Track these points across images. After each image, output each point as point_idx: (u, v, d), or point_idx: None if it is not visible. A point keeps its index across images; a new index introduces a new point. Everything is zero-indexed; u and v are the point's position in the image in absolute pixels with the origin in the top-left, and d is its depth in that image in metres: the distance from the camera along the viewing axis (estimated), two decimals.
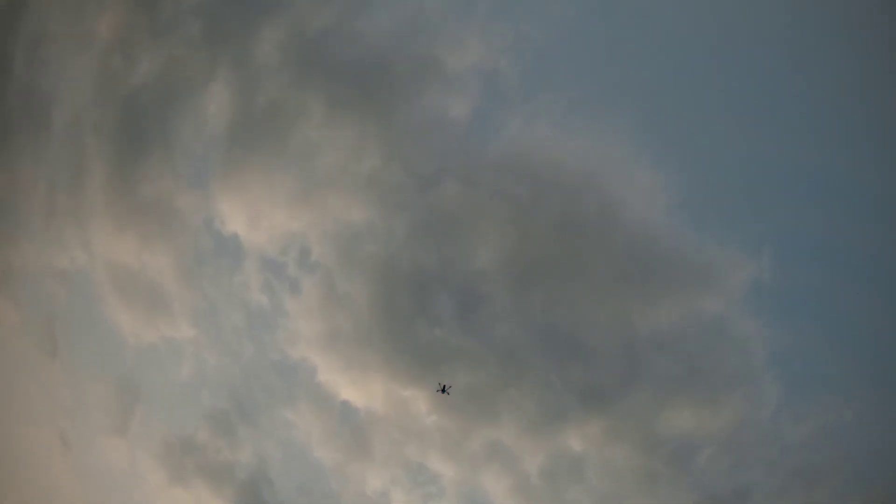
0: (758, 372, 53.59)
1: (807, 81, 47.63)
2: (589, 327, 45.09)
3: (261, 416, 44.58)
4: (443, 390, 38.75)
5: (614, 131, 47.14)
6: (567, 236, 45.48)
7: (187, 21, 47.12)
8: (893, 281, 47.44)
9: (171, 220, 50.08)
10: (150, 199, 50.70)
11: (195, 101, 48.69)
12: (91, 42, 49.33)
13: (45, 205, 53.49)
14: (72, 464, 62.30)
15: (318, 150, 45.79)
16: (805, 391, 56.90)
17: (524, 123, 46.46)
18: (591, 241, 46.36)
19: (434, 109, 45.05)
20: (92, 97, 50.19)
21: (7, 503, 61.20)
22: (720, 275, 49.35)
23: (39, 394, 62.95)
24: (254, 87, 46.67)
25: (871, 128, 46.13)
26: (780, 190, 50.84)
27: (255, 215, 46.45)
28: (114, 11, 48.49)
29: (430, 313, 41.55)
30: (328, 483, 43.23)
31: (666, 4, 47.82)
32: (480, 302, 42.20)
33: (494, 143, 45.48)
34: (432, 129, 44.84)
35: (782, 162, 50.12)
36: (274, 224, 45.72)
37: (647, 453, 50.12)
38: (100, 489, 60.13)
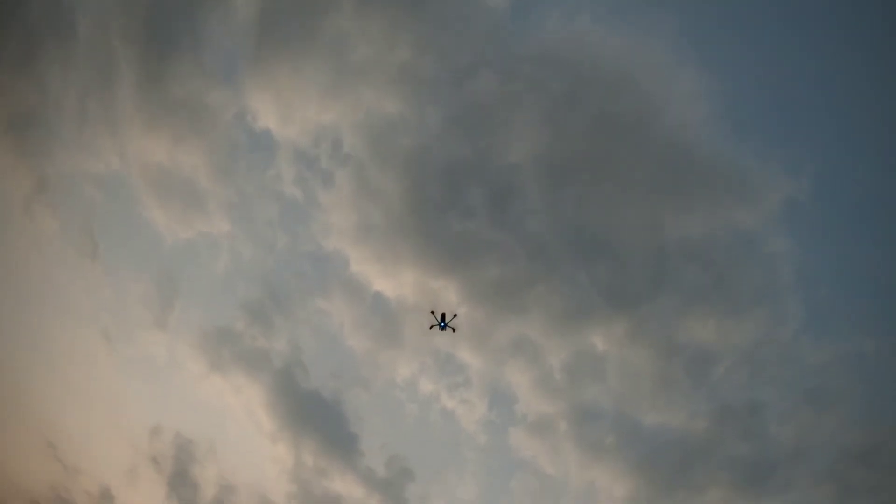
0: (784, 292, 53.28)
1: None
2: (619, 229, 44.81)
3: (295, 305, 46.15)
4: (442, 324, 32.34)
5: (659, 31, 44.57)
6: (603, 136, 44.29)
7: None
8: None
9: (202, 118, 49.91)
10: (181, 97, 50.37)
11: None
12: None
13: (76, 112, 53.69)
14: (115, 358, 65.98)
15: (349, 41, 44.37)
16: (828, 317, 56.62)
17: (565, 16, 44.16)
18: (627, 143, 45.14)
19: None
20: None
21: (55, 397, 65.83)
22: (757, 190, 48.00)
23: (82, 294, 65.87)
24: None
25: None
26: (827, 111, 48.42)
27: (287, 109, 45.99)
28: None
29: (461, 206, 41.56)
30: (359, 369, 45.41)
31: None
32: (512, 197, 42.00)
33: (533, 36, 43.48)
34: (468, 18, 42.94)
35: (832, 82, 47.40)
36: (305, 117, 45.30)
37: (667, 359, 51.18)
38: (142, 380, 63.81)
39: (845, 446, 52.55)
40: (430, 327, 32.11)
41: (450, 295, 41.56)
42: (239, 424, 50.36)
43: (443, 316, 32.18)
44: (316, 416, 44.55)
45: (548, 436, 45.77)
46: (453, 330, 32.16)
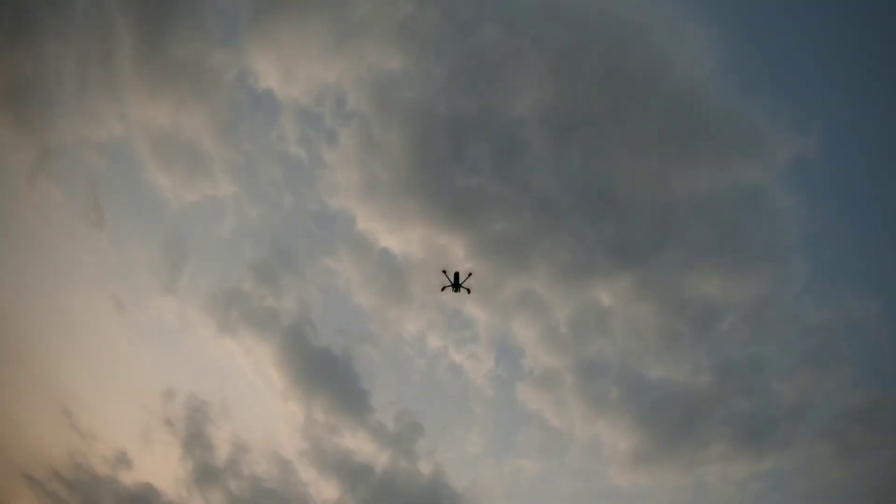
0: (789, 250, 53.36)
1: None
2: (626, 184, 44.67)
3: (302, 264, 46.42)
4: (455, 284, 29.89)
5: None
6: (609, 90, 43.78)
7: None
8: None
9: (203, 80, 49.40)
10: (181, 60, 49.74)
11: None
12: None
13: (76, 80, 53.10)
14: (126, 324, 66.73)
15: None
16: (834, 277, 56.77)
17: None
18: (633, 97, 44.64)
19: None
20: None
21: (69, 365, 66.82)
22: (765, 146, 47.61)
23: (90, 262, 66.22)
24: None
25: None
26: (837, 67, 47.62)
27: (289, 68, 45.45)
28: None
29: (467, 161, 41.38)
30: (368, 326, 45.98)
31: None
32: (518, 151, 41.75)
33: None
34: None
35: (842, 39, 46.46)
36: (308, 75, 44.80)
37: (672, 314, 51.63)
38: (154, 345, 64.61)
39: (845, 405, 53.31)
40: (443, 289, 29.45)
41: (456, 250, 41.82)
42: (250, 384, 51.33)
43: (456, 276, 29.50)
44: (326, 374, 45.34)
45: (554, 389, 46.61)
46: (468, 291, 29.52)
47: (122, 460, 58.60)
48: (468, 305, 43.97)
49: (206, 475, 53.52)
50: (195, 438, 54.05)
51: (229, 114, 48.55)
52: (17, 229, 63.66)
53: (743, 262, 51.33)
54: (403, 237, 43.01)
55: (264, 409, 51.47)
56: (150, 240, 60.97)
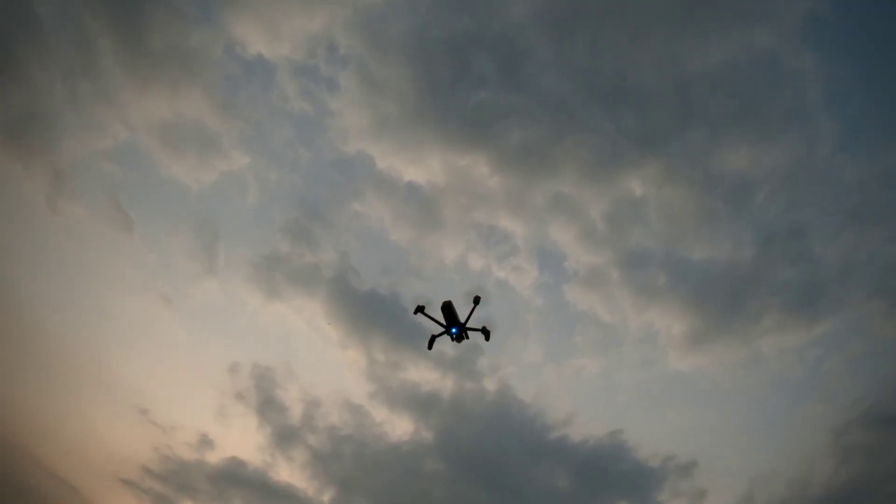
0: (815, 110, 51.61)
1: None
2: (636, 69, 43.40)
3: (332, 214, 47.02)
4: (452, 329, 20.37)
5: None
6: None
7: None
8: None
9: (191, 63, 49.01)
10: (164, 49, 49.35)
11: None
12: None
13: (67, 97, 53.17)
14: (177, 315, 69.23)
15: None
16: (864, 131, 54.96)
17: None
18: None
19: None
20: None
21: (136, 367, 70.00)
22: (773, 6, 45.42)
23: (129, 266, 68.20)
24: None
25: None
26: None
27: (272, 28, 44.68)
28: None
29: (472, 77, 40.62)
30: (408, 260, 46.73)
31: None
32: (522, 57, 40.74)
33: None
34: None
35: None
36: (293, 31, 44.00)
37: (705, 193, 51.09)
38: (208, 327, 67.14)
39: (893, 260, 52.58)
40: (431, 342, 20.63)
41: (480, 168, 41.65)
42: (308, 341, 53.28)
43: (447, 308, 19.71)
44: (377, 315, 46.62)
45: (601, 286, 47.07)
46: (486, 336, 20.31)
47: (205, 441, 62.01)
48: (502, 219, 44.27)
49: (284, 436, 56.58)
50: (268, 404, 56.75)
51: (225, 88, 48.39)
52: (52, 256, 65.60)
53: (769, 130, 50.04)
54: (425, 167, 42.99)
55: (327, 362, 53.57)
56: (180, 229, 62.21)
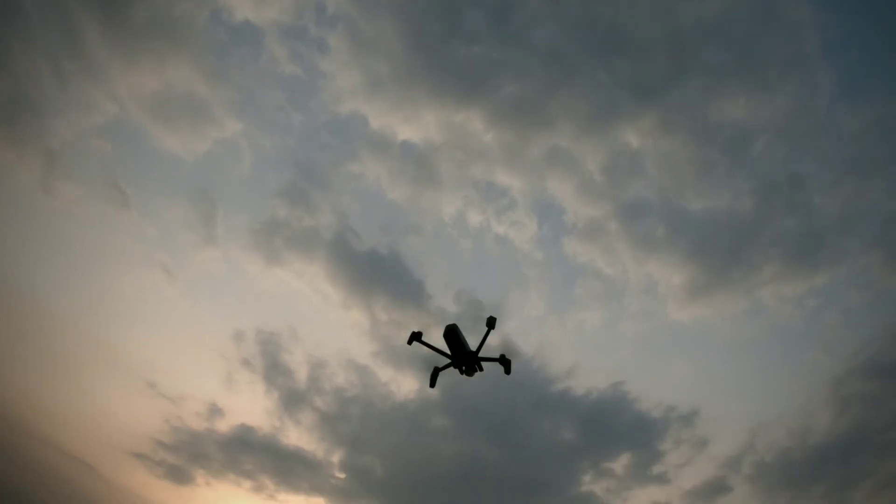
0: (813, 59, 50.87)
1: None
2: (630, 19, 42.58)
3: (328, 177, 46.83)
4: (461, 366, 16.86)
5: None
6: None
7: None
8: None
9: (177, 32, 48.21)
10: (148, 21, 48.50)
11: None
12: None
13: (54, 78, 52.40)
14: (180, 286, 69.57)
15: None
16: (862, 81, 54.24)
17: None
18: None
19: None
20: None
21: (142, 342, 70.58)
22: None
23: (129, 241, 68.36)
24: None
25: None
26: None
27: None
28: None
29: (463, 32, 39.90)
30: (407, 218, 46.71)
31: None
32: (512, 9, 39.96)
33: None
34: None
35: None
36: None
37: (703, 143, 50.73)
38: (211, 295, 67.63)
39: (892, 211, 52.46)
40: (434, 377, 17.13)
41: (475, 124, 41.23)
42: (311, 304, 53.66)
43: (451, 333, 16.44)
44: (378, 274, 46.78)
45: (600, 238, 47.11)
46: (507, 368, 16.89)
47: (214, 410, 62.81)
48: (500, 175, 44.04)
49: (292, 400, 57.37)
50: (274, 369, 57.35)
51: (213, 56, 47.70)
52: (51, 238, 65.59)
53: (766, 79, 49.41)
54: (419, 124, 42.58)
55: (330, 324, 54.05)
56: (177, 201, 62.04)
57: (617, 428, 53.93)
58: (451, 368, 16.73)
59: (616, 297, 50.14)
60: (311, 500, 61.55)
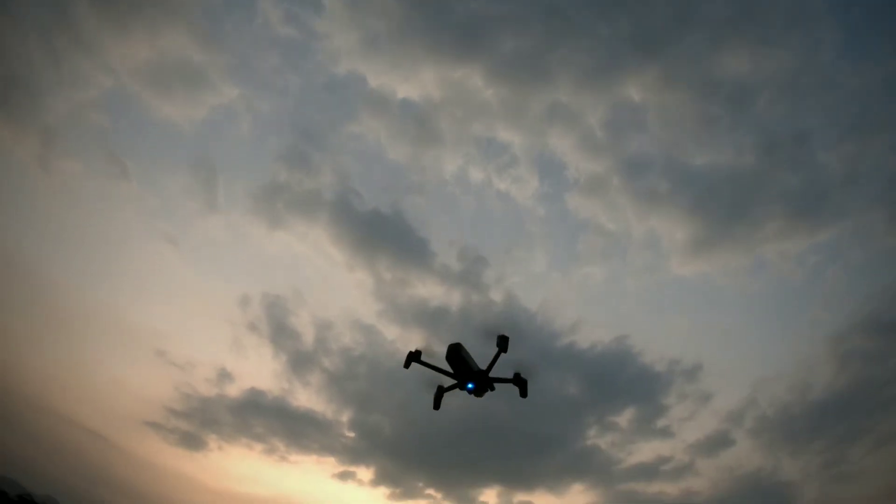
0: (817, 14, 50.61)
1: None
2: None
3: (328, 138, 47.24)
4: (468, 385, 15.30)
5: None
6: None
7: None
8: None
9: None
10: None
11: None
12: None
13: (45, 53, 52.46)
14: (184, 254, 70.45)
15: None
16: (867, 38, 54.00)
17: None
18: None
19: None
20: None
21: (149, 311, 71.74)
22: None
23: (131, 213, 69.15)
24: None
25: None
26: None
27: None
28: None
29: None
30: (408, 177, 47.11)
31: None
32: None
33: None
34: None
35: None
36: None
37: (705, 98, 50.85)
38: (215, 261, 68.64)
39: (895, 169, 52.59)
40: (438, 398, 15.30)
41: (475, 80, 41.12)
42: (315, 266, 54.54)
43: (454, 352, 14.46)
44: (382, 234, 47.42)
45: (602, 193, 47.57)
46: (522, 389, 15.03)
47: (224, 375, 64.59)
48: (501, 131, 44.11)
49: (300, 362, 58.68)
50: (281, 332, 58.67)
51: (207, 21, 47.73)
52: (53, 215, 66.42)
53: (769, 34, 49.42)
54: (418, 82, 42.67)
55: (335, 285, 55.00)
56: (177, 169, 62.36)
57: (621, 382, 55.09)
58: (458, 390, 15.21)
59: (619, 253, 50.79)
60: (323, 460, 63.30)
